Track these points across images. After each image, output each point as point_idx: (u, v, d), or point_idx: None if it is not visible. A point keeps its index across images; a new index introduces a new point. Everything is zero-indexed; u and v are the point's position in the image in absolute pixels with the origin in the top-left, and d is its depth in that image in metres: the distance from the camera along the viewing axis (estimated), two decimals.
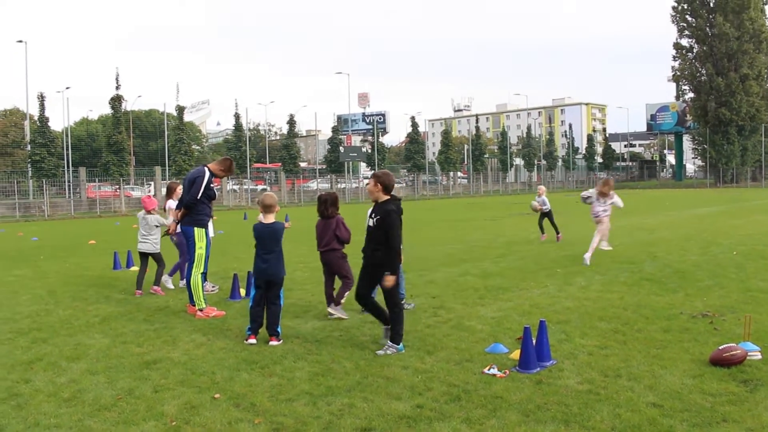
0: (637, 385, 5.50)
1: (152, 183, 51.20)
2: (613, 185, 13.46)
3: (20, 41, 50.03)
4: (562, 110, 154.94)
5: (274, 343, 7.08)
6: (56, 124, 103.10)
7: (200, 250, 8.81)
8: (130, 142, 58.91)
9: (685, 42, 76.90)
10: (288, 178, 59.44)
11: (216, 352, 6.86)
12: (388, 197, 6.81)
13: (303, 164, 74.40)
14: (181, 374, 6.09)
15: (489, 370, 5.92)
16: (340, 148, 65.64)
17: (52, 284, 11.81)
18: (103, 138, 59.35)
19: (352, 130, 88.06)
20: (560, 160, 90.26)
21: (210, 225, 9.43)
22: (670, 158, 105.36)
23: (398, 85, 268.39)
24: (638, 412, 4.89)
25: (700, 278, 10.65)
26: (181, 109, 55.43)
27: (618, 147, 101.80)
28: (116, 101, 49.37)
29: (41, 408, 5.27)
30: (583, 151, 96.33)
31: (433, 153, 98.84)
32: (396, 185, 8.81)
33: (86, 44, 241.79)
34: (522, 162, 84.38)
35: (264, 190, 55.72)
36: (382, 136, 77.18)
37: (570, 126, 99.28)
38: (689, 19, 75.60)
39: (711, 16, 73.91)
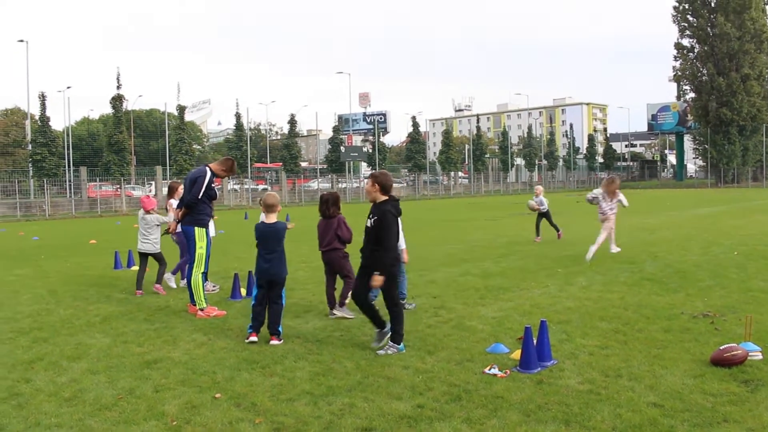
0: (637, 385, 5.50)
1: (153, 183, 51.22)
2: (619, 184, 13.53)
3: (21, 41, 50.03)
4: (563, 110, 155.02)
5: (274, 342, 7.08)
6: (57, 123, 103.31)
7: (201, 249, 8.81)
8: (131, 142, 58.96)
9: (686, 42, 76.96)
10: (289, 177, 59.44)
11: (217, 351, 6.86)
12: (386, 197, 6.79)
13: (304, 164, 74.41)
14: (181, 374, 6.09)
15: (490, 370, 5.92)
16: (341, 147, 65.61)
17: (53, 284, 11.81)
18: (104, 137, 59.36)
19: (353, 130, 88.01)
20: (561, 160, 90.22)
21: (211, 225, 9.44)
22: (671, 158, 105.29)
23: (399, 85, 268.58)
24: (639, 412, 4.89)
25: (701, 278, 10.65)
26: (182, 109, 55.42)
27: (619, 147, 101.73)
28: (117, 101, 49.35)
29: (42, 407, 5.28)
30: (584, 151, 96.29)
31: (434, 153, 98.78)
32: (397, 185, 8.75)
33: (87, 44, 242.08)
34: (523, 162, 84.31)
35: (265, 189, 55.72)
36: (383, 135, 77.13)
37: (571, 126, 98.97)
38: (690, 19, 75.58)
39: (712, 16, 73.88)
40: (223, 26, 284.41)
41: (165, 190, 14.60)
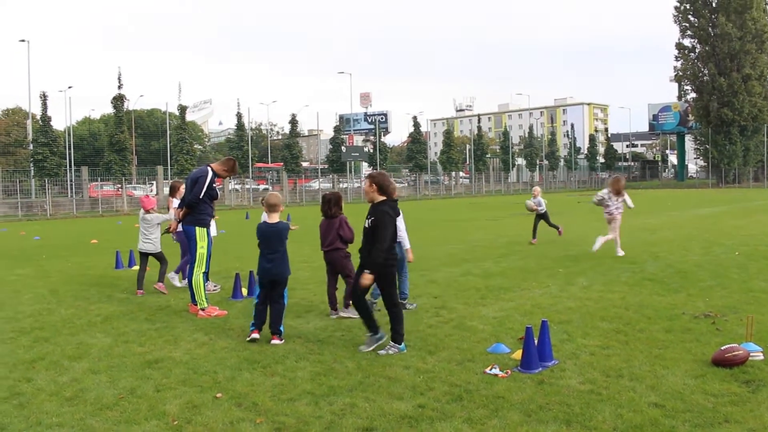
0: (639, 385, 5.49)
1: (154, 182, 51.25)
2: (624, 183, 13.59)
3: (23, 40, 50.01)
4: (564, 110, 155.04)
5: (276, 342, 7.08)
6: (58, 123, 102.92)
7: (202, 249, 8.81)
8: (132, 142, 58.96)
9: (687, 42, 76.96)
10: (290, 177, 59.44)
11: (218, 351, 6.87)
12: (384, 198, 6.79)
13: (305, 164, 74.39)
14: (182, 374, 6.09)
15: (491, 370, 5.92)
16: (342, 147, 65.58)
17: (54, 283, 11.82)
18: (106, 137, 59.33)
19: (354, 130, 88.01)
20: (562, 160, 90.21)
21: (212, 224, 9.44)
22: (672, 158, 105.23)
23: (400, 85, 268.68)
24: (640, 412, 4.89)
25: (702, 278, 10.64)
26: (183, 109, 55.42)
27: (620, 147, 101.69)
28: (118, 100, 49.34)
29: (43, 407, 5.28)
30: (585, 151, 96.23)
31: (435, 153, 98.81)
32: (398, 185, 8.78)
33: (88, 44, 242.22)
34: (524, 162, 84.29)
35: (266, 189, 55.74)
36: (384, 135, 77.11)
37: (572, 126, 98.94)
38: (691, 19, 75.56)
39: (713, 16, 73.87)
40: (224, 26, 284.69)
41: (166, 190, 14.61)
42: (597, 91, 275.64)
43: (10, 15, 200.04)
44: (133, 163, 56.63)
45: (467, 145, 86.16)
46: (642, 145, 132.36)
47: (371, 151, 70.99)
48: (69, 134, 56.87)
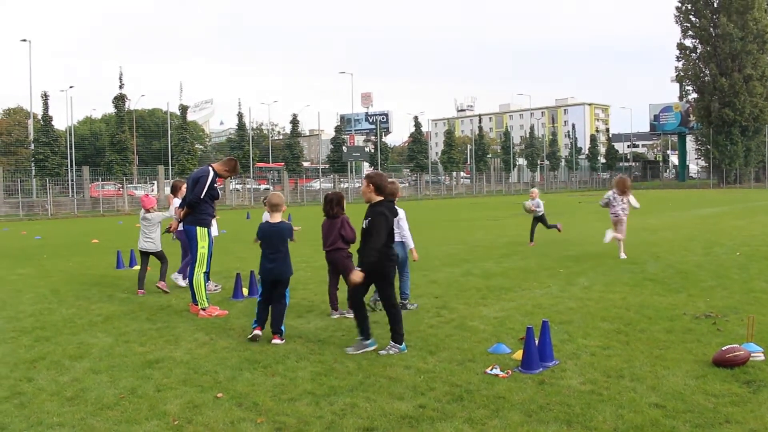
0: (639, 385, 5.49)
1: (155, 182, 51.27)
2: (630, 183, 13.62)
3: (24, 40, 50.03)
4: (565, 110, 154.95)
5: (276, 341, 7.09)
6: (60, 122, 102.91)
7: (203, 249, 8.81)
8: (133, 141, 59.01)
9: (688, 42, 76.99)
10: (291, 177, 59.48)
11: (219, 351, 6.87)
12: (381, 198, 6.79)
13: (306, 164, 74.37)
14: (183, 373, 6.09)
15: (491, 370, 5.92)
16: (343, 147, 65.62)
17: (55, 283, 11.83)
18: (107, 137, 59.38)
19: (355, 130, 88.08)
20: (563, 160, 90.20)
21: (213, 224, 9.44)
22: (674, 159, 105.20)
23: (401, 85, 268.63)
24: (641, 412, 4.89)
25: (703, 279, 10.64)
26: (184, 109, 55.49)
27: (621, 147, 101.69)
28: (120, 100, 49.43)
29: (44, 407, 5.28)
30: (586, 152, 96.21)
31: (436, 153, 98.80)
32: (399, 185, 8.81)
33: (89, 44, 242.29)
34: (525, 162, 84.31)
35: (267, 189, 55.77)
36: (385, 135, 77.17)
37: (573, 126, 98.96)
38: (693, 19, 75.56)
39: (715, 17, 73.87)
40: (225, 26, 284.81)
41: (167, 190, 14.64)
42: (598, 91, 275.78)
43: (12, 15, 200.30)
44: (134, 162, 56.67)
45: (468, 145, 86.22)
46: (643, 146, 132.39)
47: (372, 151, 71.03)
48: (70, 134, 56.87)
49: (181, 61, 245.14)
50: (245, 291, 10.13)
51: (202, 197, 8.77)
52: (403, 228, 8.83)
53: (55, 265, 14.57)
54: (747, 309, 8.24)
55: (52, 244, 20.51)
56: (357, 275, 6.54)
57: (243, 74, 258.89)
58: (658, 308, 8.46)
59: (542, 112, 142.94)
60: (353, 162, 67.22)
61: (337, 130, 68.24)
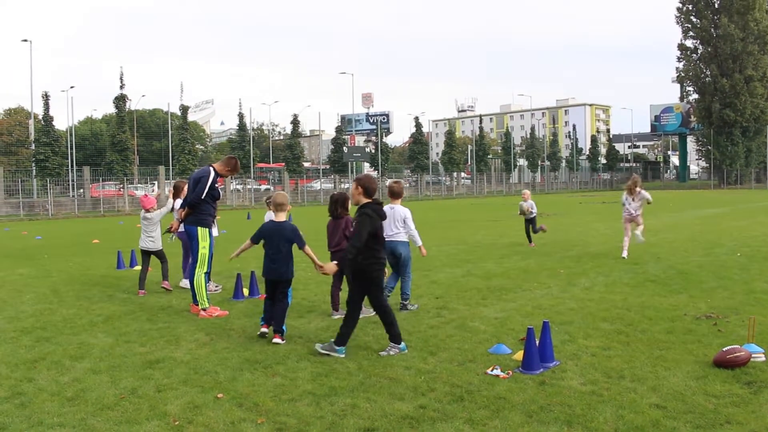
0: (640, 386, 5.49)
1: (156, 182, 51.27)
2: (636, 181, 13.72)
3: (25, 40, 50.07)
4: (566, 111, 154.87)
5: (277, 340, 7.10)
6: (60, 123, 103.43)
7: (203, 249, 8.81)
8: (134, 142, 59.02)
9: (689, 43, 76.99)
10: (291, 178, 59.44)
11: (219, 351, 6.87)
12: (369, 200, 6.79)
13: (307, 164, 74.37)
14: (184, 374, 6.09)
15: (492, 370, 5.92)
16: (344, 148, 65.59)
17: (55, 283, 11.83)
18: (107, 137, 59.43)
19: (356, 130, 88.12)
20: (564, 161, 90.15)
21: (213, 225, 9.44)
22: (674, 159, 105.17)
23: (402, 86, 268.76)
24: (641, 413, 4.88)
25: (703, 279, 10.63)
26: (185, 109, 55.46)
27: (622, 148, 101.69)
28: (120, 100, 49.42)
29: (44, 407, 5.28)
30: (587, 152, 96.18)
31: (437, 153, 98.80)
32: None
33: (90, 44, 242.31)
34: (525, 163, 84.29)
35: (268, 189, 55.80)
36: (385, 136, 77.18)
37: (574, 127, 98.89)
38: (694, 20, 75.55)
39: (716, 17, 73.86)
40: (226, 26, 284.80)
41: (167, 190, 14.65)
42: (599, 92, 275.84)
43: (13, 15, 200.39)
44: (135, 163, 56.68)
45: (469, 146, 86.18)
46: (644, 146, 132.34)
47: (373, 151, 71.00)
48: (71, 134, 56.92)
49: (181, 61, 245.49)
50: (246, 291, 10.13)
51: (203, 197, 8.78)
52: (409, 227, 8.87)
53: (56, 265, 14.58)
54: (748, 310, 8.24)
55: (52, 244, 20.51)
56: (330, 267, 6.57)
57: (244, 74, 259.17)
58: (659, 309, 8.45)
59: (543, 113, 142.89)
60: (354, 162, 67.18)
61: (338, 130, 68.22)
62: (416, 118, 71.59)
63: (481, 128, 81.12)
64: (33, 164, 46.72)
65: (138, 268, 12.08)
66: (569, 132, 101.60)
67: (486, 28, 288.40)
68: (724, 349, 6.05)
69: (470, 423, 4.79)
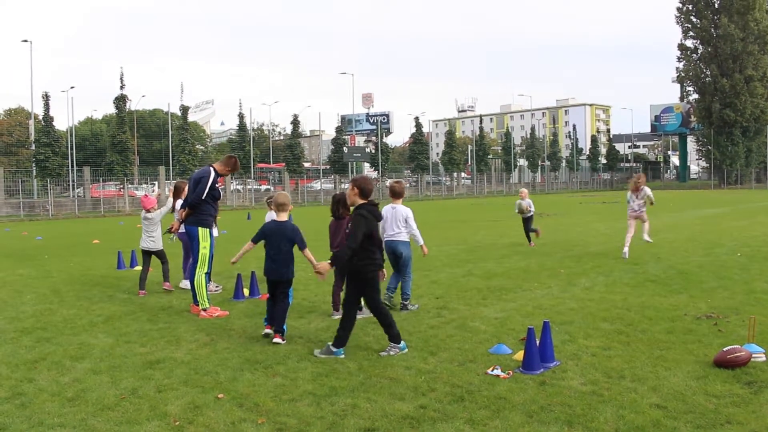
0: (640, 386, 5.49)
1: (156, 183, 51.27)
2: (640, 180, 13.88)
3: (25, 41, 50.10)
4: (566, 111, 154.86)
5: (278, 341, 7.10)
6: (61, 123, 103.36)
7: (204, 249, 8.82)
8: (134, 142, 59.04)
9: (689, 43, 76.98)
10: (292, 178, 59.47)
11: (219, 352, 6.87)
12: (364, 201, 6.80)
13: (307, 164, 74.40)
14: (184, 374, 6.09)
15: (492, 371, 5.92)
16: (344, 148, 65.65)
17: (56, 283, 11.83)
18: (108, 137, 59.46)
19: (356, 131, 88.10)
20: (564, 161, 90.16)
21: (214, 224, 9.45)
22: (674, 159, 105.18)
23: (402, 86, 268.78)
24: (642, 413, 4.88)
25: (704, 279, 10.63)
26: (185, 109, 55.49)
27: (622, 148, 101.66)
28: (121, 101, 49.43)
29: (45, 407, 5.28)
30: (587, 152, 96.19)
31: (437, 153, 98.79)
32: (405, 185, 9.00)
33: (90, 44, 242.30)
34: (526, 163, 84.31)
35: (268, 190, 55.83)
36: (386, 136, 77.17)
37: (574, 127, 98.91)
38: (694, 20, 75.54)
39: (716, 17, 73.85)
40: (226, 26, 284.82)
41: (167, 190, 14.65)
42: (599, 92, 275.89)
43: (13, 15, 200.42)
44: (135, 163, 56.72)
45: (469, 146, 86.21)
46: (644, 146, 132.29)
47: (373, 151, 71.03)
48: (71, 134, 56.96)
49: (181, 61, 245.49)
50: (246, 292, 10.13)
51: (203, 198, 8.78)
52: (411, 226, 8.89)
53: (56, 265, 14.58)
54: (748, 310, 8.24)
55: (53, 244, 20.51)
56: (323, 266, 6.54)
57: (244, 74, 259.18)
58: (659, 309, 8.45)
59: (543, 113, 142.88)
60: (354, 162, 67.22)
61: (338, 130, 68.26)
62: (416, 118, 71.65)
63: (481, 128, 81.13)
64: (33, 164, 46.75)
65: (138, 268, 12.09)
66: (569, 132, 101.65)
67: (486, 28, 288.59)
68: (724, 349, 6.05)
69: (471, 423, 4.79)
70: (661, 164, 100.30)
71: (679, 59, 77.76)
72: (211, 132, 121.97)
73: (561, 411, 4.97)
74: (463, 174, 79.63)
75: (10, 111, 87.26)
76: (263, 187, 59.35)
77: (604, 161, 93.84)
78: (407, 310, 8.69)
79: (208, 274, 9.02)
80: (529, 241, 16.30)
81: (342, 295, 8.52)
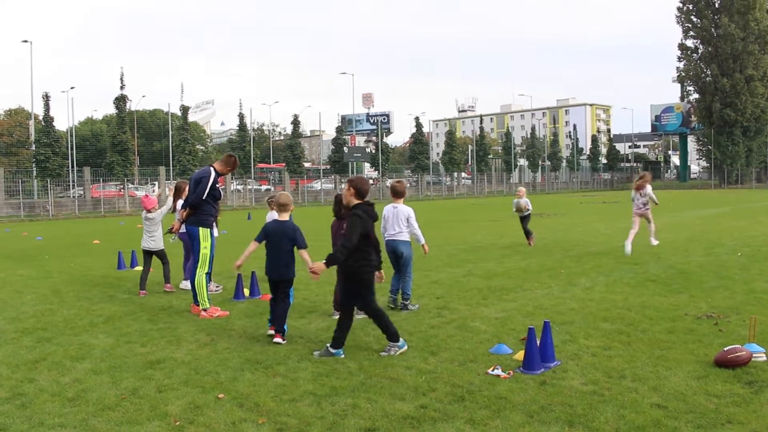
0: (641, 386, 5.49)
1: (156, 183, 51.27)
2: (642, 179, 14.00)
3: (25, 41, 50.12)
4: (566, 111, 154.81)
5: (278, 340, 7.10)
6: (61, 123, 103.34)
7: (205, 250, 8.82)
8: (134, 142, 59.02)
9: (690, 43, 76.98)
10: (292, 178, 59.48)
11: (220, 352, 6.87)
12: (359, 202, 6.80)
13: (307, 164, 74.43)
14: (185, 374, 6.09)
15: (493, 370, 5.91)
16: (345, 148, 65.65)
17: (56, 284, 11.83)
18: (108, 138, 59.43)
19: (357, 131, 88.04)
20: (564, 160, 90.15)
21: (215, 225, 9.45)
22: (675, 159, 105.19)
23: (402, 86, 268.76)
24: (642, 413, 4.88)
25: (704, 279, 10.63)
26: (185, 109, 55.49)
27: (622, 148, 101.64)
28: (121, 101, 49.44)
29: (45, 407, 5.28)
30: (588, 152, 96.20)
31: (438, 153, 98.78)
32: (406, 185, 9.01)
33: (90, 44, 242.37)
34: (526, 163, 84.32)
35: (268, 190, 55.83)
36: (386, 136, 77.12)
37: (574, 127, 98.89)
38: (694, 19, 75.54)
39: (716, 17, 73.84)
40: (226, 26, 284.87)
41: (167, 190, 14.65)
42: (599, 92, 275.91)
43: (13, 15, 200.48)
44: (135, 163, 56.70)
45: (469, 146, 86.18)
46: (644, 146, 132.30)
47: (373, 151, 71.03)
48: (71, 135, 56.98)
49: (181, 61, 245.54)
50: (246, 292, 10.14)
51: (204, 198, 8.78)
52: (413, 225, 8.89)
53: (57, 265, 14.58)
54: (749, 309, 8.23)
55: (53, 244, 20.52)
56: (319, 266, 6.52)
57: (244, 74, 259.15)
58: (660, 309, 8.45)
59: (543, 113, 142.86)
60: (354, 163, 67.22)
61: (338, 130, 68.25)
62: (417, 118, 71.65)
63: (481, 128, 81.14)
64: (33, 165, 46.75)
65: (139, 268, 12.10)
66: (570, 132, 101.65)
67: (486, 28, 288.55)
68: (725, 349, 6.05)
69: (471, 423, 4.79)
70: (662, 164, 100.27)
71: (679, 59, 77.83)
72: (211, 132, 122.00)
73: (561, 411, 4.97)
74: (463, 174, 79.64)
75: (10, 111, 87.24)
76: (263, 187, 59.36)
77: (604, 161, 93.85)
78: (408, 310, 8.69)
79: (209, 274, 9.03)
80: (528, 240, 16.24)
81: None
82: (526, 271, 11.97)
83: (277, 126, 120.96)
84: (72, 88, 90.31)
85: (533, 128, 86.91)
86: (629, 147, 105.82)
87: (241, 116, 61.47)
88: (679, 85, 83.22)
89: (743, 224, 21.38)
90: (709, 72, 74.82)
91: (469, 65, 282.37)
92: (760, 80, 72.64)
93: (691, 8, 75.60)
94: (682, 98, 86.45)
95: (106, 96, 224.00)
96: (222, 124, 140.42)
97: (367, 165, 74.52)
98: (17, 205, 41.33)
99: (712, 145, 74.91)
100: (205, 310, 8.66)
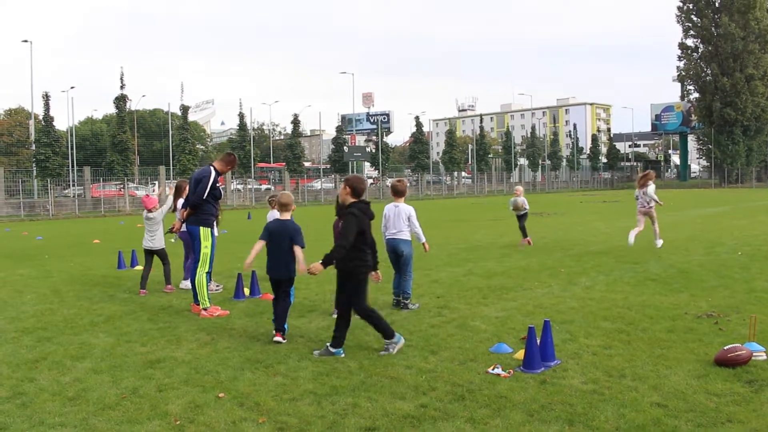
0: (641, 385, 5.49)
1: (156, 182, 51.28)
2: (646, 176, 14.09)
3: (25, 41, 50.12)
4: (566, 110, 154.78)
5: (278, 339, 7.11)
6: (61, 123, 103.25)
7: (205, 249, 8.83)
8: (134, 142, 59.02)
9: (690, 42, 76.96)
10: (292, 177, 59.47)
11: (220, 351, 6.87)
12: (355, 200, 6.79)
13: (307, 164, 74.41)
14: (185, 373, 6.10)
15: (493, 369, 5.92)
16: (345, 147, 65.62)
17: (56, 283, 11.83)
18: (108, 137, 59.44)
19: (357, 130, 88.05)
20: (564, 160, 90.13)
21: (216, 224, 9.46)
22: (675, 158, 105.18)
23: (402, 85, 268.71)
24: (643, 412, 4.88)
25: (704, 278, 10.63)
26: (185, 109, 55.45)
27: (622, 147, 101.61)
28: (121, 101, 49.42)
29: (46, 407, 5.28)
30: (588, 151, 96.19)
31: (438, 153, 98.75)
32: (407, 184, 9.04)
33: (90, 44, 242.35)
34: (526, 162, 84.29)
35: (268, 189, 55.83)
36: (386, 135, 77.11)
37: (574, 126, 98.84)
38: (694, 19, 75.52)
39: (716, 16, 73.82)
40: (226, 26, 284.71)
41: (167, 190, 14.65)
42: (599, 91, 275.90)
43: (13, 15, 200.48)
44: (135, 163, 56.70)
45: (469, 145, 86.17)
46: (644, 145, 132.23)
47: (373, 151, 71.02)
48: (71, 134, 56.98)
49: (181, 61, 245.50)
50: (247, 291, 10.14)
51: (204, 197, 8.79)
52: (414, 224, 8.90)
53: (57, 265, 14.58)
54: (749, 308, 8.24)
55: (53, 244, 20.52)
56: (316, 267, 6.51)
57: (244, 74, 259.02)
58: (660, 308, 8.45)
59: (543, 112, 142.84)
60: (354, 162, 67.21)
61: (339, 130, 68.21)
62: (417, 118, 71.59)
63: (481, 127, 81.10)
64: (33, 164, 46.74)
65: (139, 268, 12.10)
66: (570, 131, 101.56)
67: (486, 28, 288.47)
68: (725, 348, 6.05)
69: (471, 422, 4.79)
70: (662, 163, 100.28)
71: (679, 58, 77.80)
72: (211, 132, 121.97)
73: (562, 410, 4.97)
74: (463, 173, 79.61)
75: (10, 111, 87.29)
76: (264, 187, 59.36)
77: (604, 160, 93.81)
78: (408, 309, 8.70)
79: (209, 274, 9.04)
80: (525, 238, 16.21)
81: None
82: (527, 270, 11.97)
83: (277, 125, 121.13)
84: (72, 87, 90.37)
85: (533, 127, 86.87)
86: (629, 146, 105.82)
87: (241, 116, 61.47)
88: (679, 85, 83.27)
89: (743, 223, 21.38)
90: (709, 71, 74.81)
91: (469, 65, 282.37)
92: (761, 79, 72.63)
93: (691, 7, 75.57)
94: (682, 97, 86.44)
95: (106, 96, 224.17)
96: (222, 123, 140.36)
97: (367, 164, 74.50)
98: (17, 204, 41.34)
99: (713, 145, 74.91)
100: (205, 309, 8.67)
